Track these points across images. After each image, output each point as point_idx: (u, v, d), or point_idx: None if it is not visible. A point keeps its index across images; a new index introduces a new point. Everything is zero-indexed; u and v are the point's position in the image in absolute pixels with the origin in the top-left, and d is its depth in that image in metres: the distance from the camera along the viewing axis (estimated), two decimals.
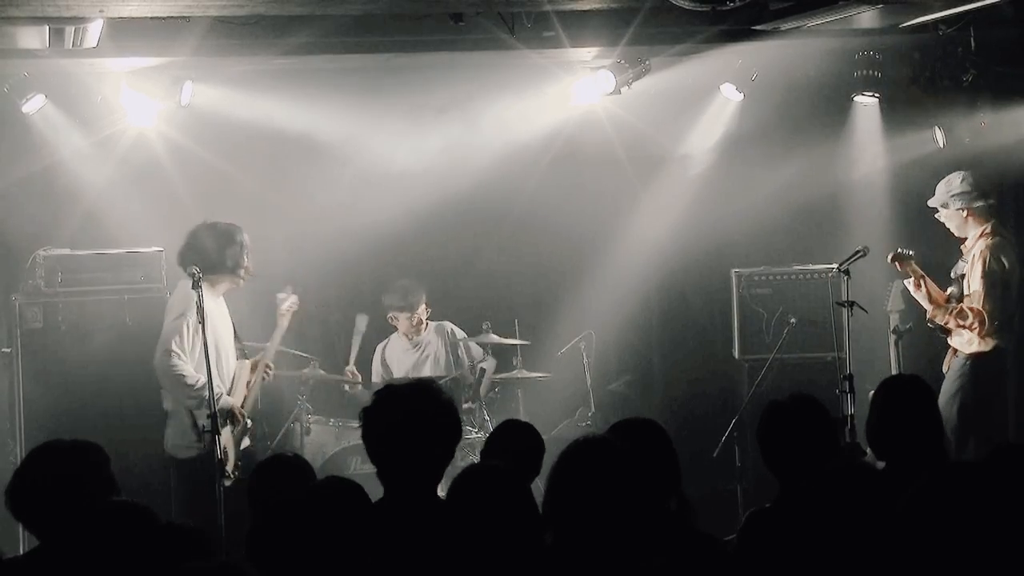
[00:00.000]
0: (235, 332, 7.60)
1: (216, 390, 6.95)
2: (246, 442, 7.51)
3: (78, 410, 7.66)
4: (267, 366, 7.69)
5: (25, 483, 4.31)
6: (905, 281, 8.09)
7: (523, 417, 8.37)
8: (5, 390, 8.10)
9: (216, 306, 7.40)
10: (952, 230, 8.12)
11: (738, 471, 8.60)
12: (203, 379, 7.00)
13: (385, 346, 9.04)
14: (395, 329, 9.01)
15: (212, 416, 6.77)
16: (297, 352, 8.53)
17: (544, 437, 8.38)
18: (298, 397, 8.47)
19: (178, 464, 7.28)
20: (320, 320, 9.30)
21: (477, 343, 8.79)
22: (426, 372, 8.84)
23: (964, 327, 7.87)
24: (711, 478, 8.26)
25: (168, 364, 7.19)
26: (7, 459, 7.95)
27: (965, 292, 7.96)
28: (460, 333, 8.99)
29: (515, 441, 5.23)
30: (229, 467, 7.22)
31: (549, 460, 3.88)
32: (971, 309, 7.85)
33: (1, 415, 8.12)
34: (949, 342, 8.03)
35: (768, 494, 4.60)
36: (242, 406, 7.47)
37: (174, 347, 7.20)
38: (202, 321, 6.84)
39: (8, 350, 8.06)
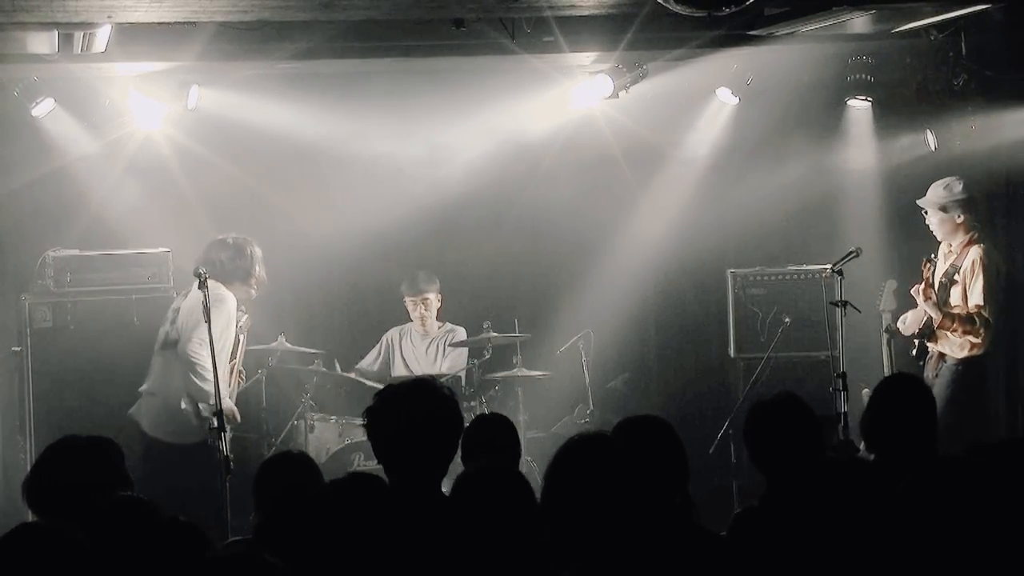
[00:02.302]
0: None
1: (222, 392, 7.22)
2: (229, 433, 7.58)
3: (86, 408, 7.74)
4: (240, 372, 7.87)
5: (43, 477, 4.40)
6: (913, 291, 8.02)
7: (522, 414, 8.44)
8: (15, 388, 8.18)
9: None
10: (937, 233, 8.09)
11: (733, 467, 8.65)
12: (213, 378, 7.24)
13: (402, 336, 9.14)
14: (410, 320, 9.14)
15: (218, 413, 6.88)
16: (303, 349, 8.63)
17: (543, 434, 8.52)
18: (302, 395, 8.56)
19: (159, 446, 7.39)
20: (324, 319, 9.39)
21: (478, 341, 8.84)
22: (433, 365, 8.98)
23: (969, 332, 7.88)
24: (707, 474, 8.27)
25: (198, 352, 7.36)
26: (17, 456, 8.08)
27: (952, 298, 7.93)
28: (461, 335, 9.07)
29: (488, 441, 5.19)
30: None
31: (548, 457, 3.86)
32: (976, 315, 7.86)
33: (11, 413, 8.21)
34: (934, 347, 8.01)
35: (762, 490, 4.63)
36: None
37: (203, 338, 7.31)
38: (208, 320, 6.98)
39: (18, 349, 8.16)
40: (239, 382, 7.85)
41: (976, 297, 7.89)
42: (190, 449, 7.39)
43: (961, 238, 8.05)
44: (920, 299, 7.89)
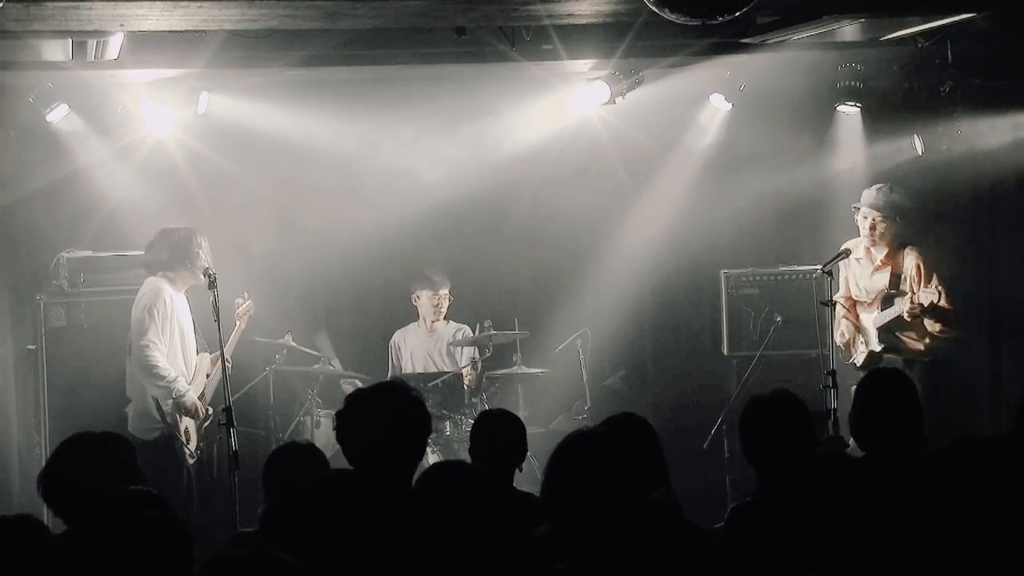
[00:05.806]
0: (194, 326, 7.86)
1: (182, 385, 7.55)
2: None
3: (99, 405, 7.85)
4: (227, 360, 7.74)
5: (57, 472, 4.47)
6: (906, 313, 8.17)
7: (522, 410, 8.54)
8: (31, 386, 8.33)
9: (180, 301, 7.74)
10: (869, 235, 8.21)
11: (727, 462, 8.82)
12: (174, 372, 7.54)
13: (406, 336, 9.26)
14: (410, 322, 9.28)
15: (227, 410, 6.99)
16: (307, 350, 8.78)
17: (542, 430, 8.68)
18: (309, 392, 8.71)
19: (140, 445, 7.39)
20: (328, 319, 9.51)
21: (479, 339, 8.98)
22: (437, 362, 9.13)
23: (942, 322, 8.05)
24: (701, 469, 8.45)
25: (144, 355, 7.55)
26: (32, 451, 8.22)
27: (903, 300, 8.12)
28: (465, 334, 9.20)
29: (494, 437, 5.32)
30: (192, 447, 7.70)
31: (547, 452, 4.00)
32: (948, 308, 8.05)
33: (27, 409, 8.36)
34: (893, 357, 8.18)
35: (755, 484, 4.73)
36: (201, 395, 7.81)
37: (151, 338, 7.54)
38: (217, 319, 7.11)
39: (33, 347, 8.30)
40: (225, 369, 7.51)
41: (933, 293, 8.03)
42: (152, 444, 7.55)
43: (893, 240, 8.19)
44: (906, 308, 8.03)
